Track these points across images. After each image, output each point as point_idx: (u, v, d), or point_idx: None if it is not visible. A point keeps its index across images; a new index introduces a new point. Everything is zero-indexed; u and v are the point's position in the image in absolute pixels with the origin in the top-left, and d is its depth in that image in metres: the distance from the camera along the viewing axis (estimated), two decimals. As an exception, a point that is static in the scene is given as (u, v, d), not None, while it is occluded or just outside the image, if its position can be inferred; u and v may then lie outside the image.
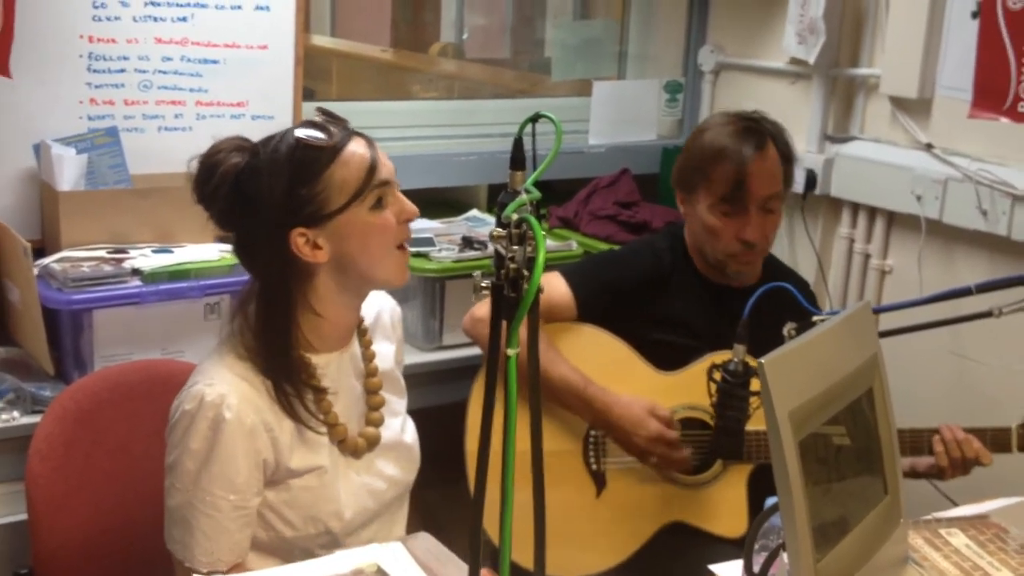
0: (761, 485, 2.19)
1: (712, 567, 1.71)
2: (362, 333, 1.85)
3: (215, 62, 2.53)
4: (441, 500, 2.53)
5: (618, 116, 3.33)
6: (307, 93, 2.75)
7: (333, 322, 1.74)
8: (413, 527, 1.82)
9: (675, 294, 2.37)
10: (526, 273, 1.09)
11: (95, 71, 2.39)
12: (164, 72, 2.47)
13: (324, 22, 3.81)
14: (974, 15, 2.57)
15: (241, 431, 1.63)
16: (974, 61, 2.30)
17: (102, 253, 2.27)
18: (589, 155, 3.27)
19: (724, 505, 2.28)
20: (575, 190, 3.14)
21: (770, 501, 1.52)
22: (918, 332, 1.97)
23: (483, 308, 2.30)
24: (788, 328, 1.83)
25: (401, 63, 3.80)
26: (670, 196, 2.45)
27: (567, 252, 2.76)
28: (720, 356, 1.95)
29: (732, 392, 1.75)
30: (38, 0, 2.28)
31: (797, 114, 3.02)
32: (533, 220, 1.09)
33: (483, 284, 1.14)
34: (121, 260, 2.24)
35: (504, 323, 1.12)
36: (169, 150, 2.46)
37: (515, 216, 1.09)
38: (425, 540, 1.68)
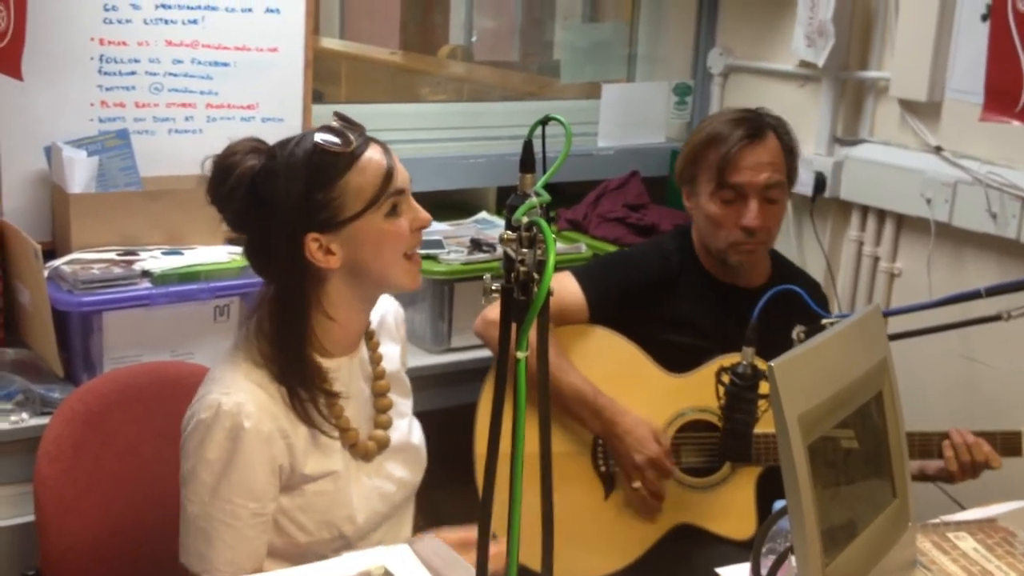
0: (769, 487, 2.19)
1: (720, 570, 1.71)
2: (369, 336, 1.85)
3: (225, 65, 2.53)
4: (449, 502, 2.53)
5: (627, 119, 3.33)
6: (316, 96, 2.76)
7: (345, 326, 1.74)
8: (421, 529, 1.83)
9: (683, 295, 2.37)
10: (536, 276, 1.09)
11: (106, 73, 2.40)
12: (175, 75, 2.48)
13: (333, 25, 3.83)
14: (984, 18, 2.57)
15: (259, 439, 1.63)
16: (985, 64, 2.30)
17: (112, 255, 2.27)
18: (598, 157, 3.27)
19: (732, 507, 2.28)
20: (584, 192, 3.14)
21: (778, 504, 1.52)
22: (927, 335, 1.98)
23: (495, 310, 2.30)
24: (797, 331, 1.83)
25: (410, 65, 3.81)
26: (679, 198, 2.45)
27: (576, 255, 2.76)
28: (729, 358, 1.95)
29: (740, 395, 1.75)
30: (50, 3, 2.29)
31: (806, 117, 3.02)
32: (543, 223, 1.09)
33: (493, 287, 1.14)
34: (131, 262, 2.25)
35: (514, 326, 1.12)
36: (179, 152, 2.47)
37: (525, 219, 1.09)
38: (432, 542, 1.68)
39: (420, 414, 1.96)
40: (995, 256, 2.67)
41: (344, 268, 1.67)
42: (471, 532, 1.67)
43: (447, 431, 2.15)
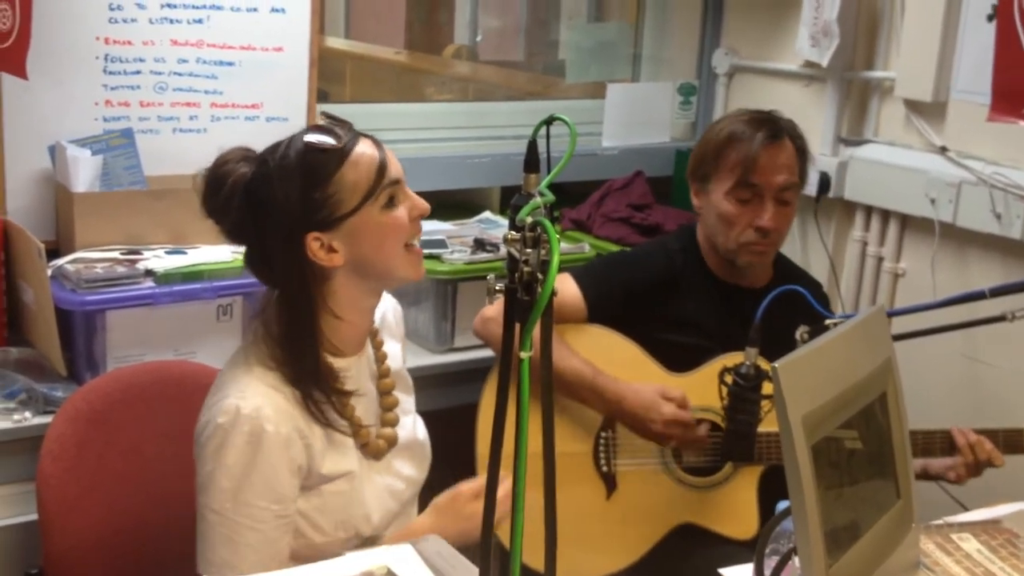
0: (772, 487, 2.19)
1: (722, 570, 1.71)
2: (373, 334, 1.85)
3: (230, 64, 2.53)
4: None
5: (632, 118, 3.33)
6: (321, 95, 2.76)
7: (353, 324, 1.74)
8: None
9: (687, 295, 2.37)
10: (540, 276, 1.09)
11: (111, 73, 2.40)
12: (179, 74, 2.48)
13: (338, 24, 3.82)
14: (990, 18, 2.57)
15: (279, 441, 1.62)
16: (991, 64, 2.29)
17: (116, 254, 2.28)
18: (602, 157, 3.26)
19: (735, 507, 2.28)
20: (588, 192, 3.14)
21: (781, 505, 1.52)
22: (931, 335, 1.97)
23: (492, 307, 2.30)
24: (800, 332, 1.83)
25: (415, 65, 3.81)
26: (684, 198, 2.45)
27: (579, 255, 2.76)
28: (732, 358, 1.95)
29: (743, 395, 1.75)
30: (55, 2, 2.29)
31: (811, 117, 3.01)
32: (548, 224, 1.08)
33: (497, 287, 1.14)
34: (135, 261, 2.25)
35: (517, 325, 1.12)
36: (184, 152, 2.47)
37: (529, 219, 1.09)
38: (434, 542, 1.68)
39: (423, 414, 1.96)
40: (999, 256, 2.66)
41: (348, 265, 1.67)
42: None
43: (450, 431, 2.15)
